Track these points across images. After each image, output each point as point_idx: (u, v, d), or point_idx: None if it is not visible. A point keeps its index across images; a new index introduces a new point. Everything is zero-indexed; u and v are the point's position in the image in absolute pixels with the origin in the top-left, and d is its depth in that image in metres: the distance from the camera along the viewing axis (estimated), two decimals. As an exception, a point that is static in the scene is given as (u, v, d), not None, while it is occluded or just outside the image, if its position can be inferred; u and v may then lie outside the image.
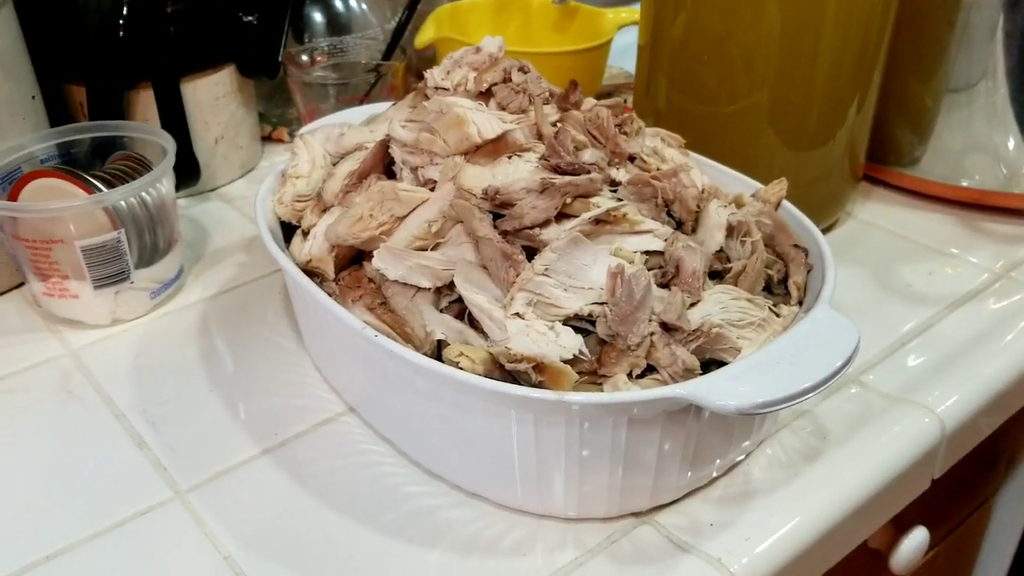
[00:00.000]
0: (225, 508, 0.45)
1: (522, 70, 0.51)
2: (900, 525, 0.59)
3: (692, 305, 0.43)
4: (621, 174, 0.48)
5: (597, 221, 0.44)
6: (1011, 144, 0.65)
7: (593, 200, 0.44)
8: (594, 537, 0.43)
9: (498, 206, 0.43)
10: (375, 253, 0.45)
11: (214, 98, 0.72)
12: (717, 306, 0.42)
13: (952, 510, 0.69)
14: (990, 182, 0.66)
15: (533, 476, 0.42)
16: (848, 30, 0.58)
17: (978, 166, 0.66)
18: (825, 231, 0.66)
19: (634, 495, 0.43)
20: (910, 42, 0.66)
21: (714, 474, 0.45)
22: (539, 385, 0.39)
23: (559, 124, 0.49)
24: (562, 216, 0.44)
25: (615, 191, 0.47)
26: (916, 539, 0.57)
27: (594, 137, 0.48)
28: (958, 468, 0.63)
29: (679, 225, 0.47)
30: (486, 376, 0.40)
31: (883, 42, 0.60)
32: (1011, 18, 0.62)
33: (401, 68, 0.74)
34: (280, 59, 0.72)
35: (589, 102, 0.53)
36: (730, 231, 0.47)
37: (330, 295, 0.45)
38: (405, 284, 0.45)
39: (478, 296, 0.42)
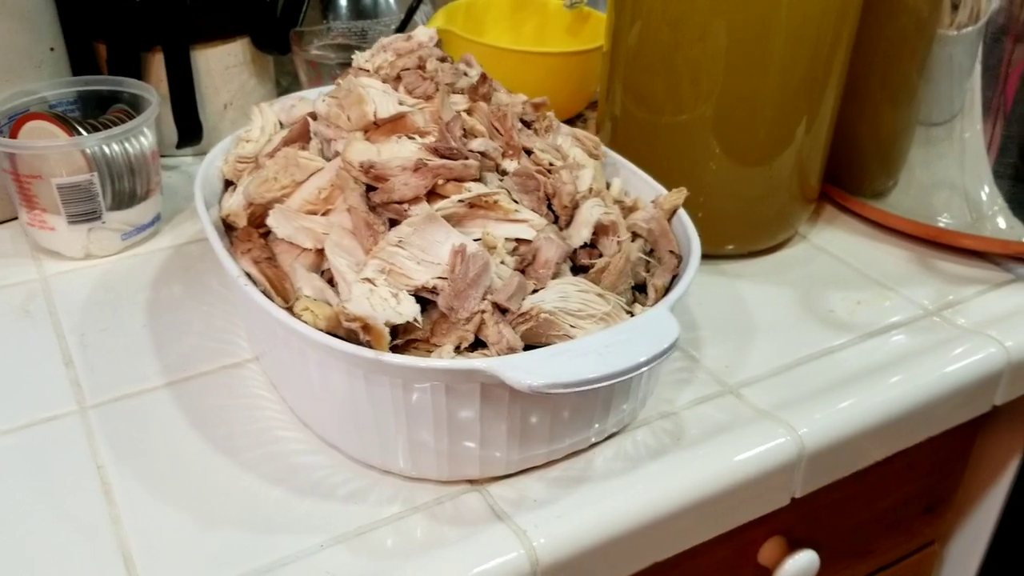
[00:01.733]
0: (114, 426, 0.50)
1: (443, 60, 0.54)
2: (792, 545, 0.59)
3: (535, 291, 0.45)
4: (512, 165, 0.50)
5: (472, 205, 0.47)
6: (983, 186, 0.64)
7: (467, 185, 0.47)
8: (424, 496, 0.46)
9: (373, 179, 0.47)
10: (269, 212, 0.49)
11: (225, 67, 0.78)
12: (557, 295, 0.45)
13: (877, 545, 0.68)
14: (955, 222, 0.65)
15: (372, 432, 0.45)
16: (796, 49, 0.58)
17: (946, 204, 0.65)
18: (773, 250, 0.67)
19: (463, 463, 0.45)
20: (883, 70, 0.66)
21: (553, 455, 0.47)
22: (367, 345, 0.42)
23: (464, 113, 0.52)
24: (438, 196, 0.47)
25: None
26: (802, 561, 0.58)
27: (496, 128, 0.51)
28: (879, 503, 0.63)
29: (557, 219, 0.49)
30: (327, 332, 0.43)
31: (835, 63, 0.61)
32: (991, 53, 0.61)
33: (401, 55, 0.78)
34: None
35: (519, 98, 0.56)
36: (604, 230, 0.49)
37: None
38: (291, 243, 0.49)
39: (340, 260, 0.46)
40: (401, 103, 0.50)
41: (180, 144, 0.76)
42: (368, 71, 0.54)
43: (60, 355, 0.56)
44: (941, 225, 0.66)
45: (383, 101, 0.49)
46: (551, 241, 0.46)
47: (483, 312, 0.43)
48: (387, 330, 0.42)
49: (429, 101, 0.51)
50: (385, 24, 0.84)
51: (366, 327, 0.42)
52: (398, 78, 0.52)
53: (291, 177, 0.50)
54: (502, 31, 0.88)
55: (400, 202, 0.46)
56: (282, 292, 0.47)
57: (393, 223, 0.46)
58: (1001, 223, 0.64)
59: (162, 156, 0.74)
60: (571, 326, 0.44)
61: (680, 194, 0.53)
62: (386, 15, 0.87)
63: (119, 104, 0.69)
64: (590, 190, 0.50)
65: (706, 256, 0.64)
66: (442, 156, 0.47)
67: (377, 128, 0.50)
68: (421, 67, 0.53)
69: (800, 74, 0.59)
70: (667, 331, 0.43)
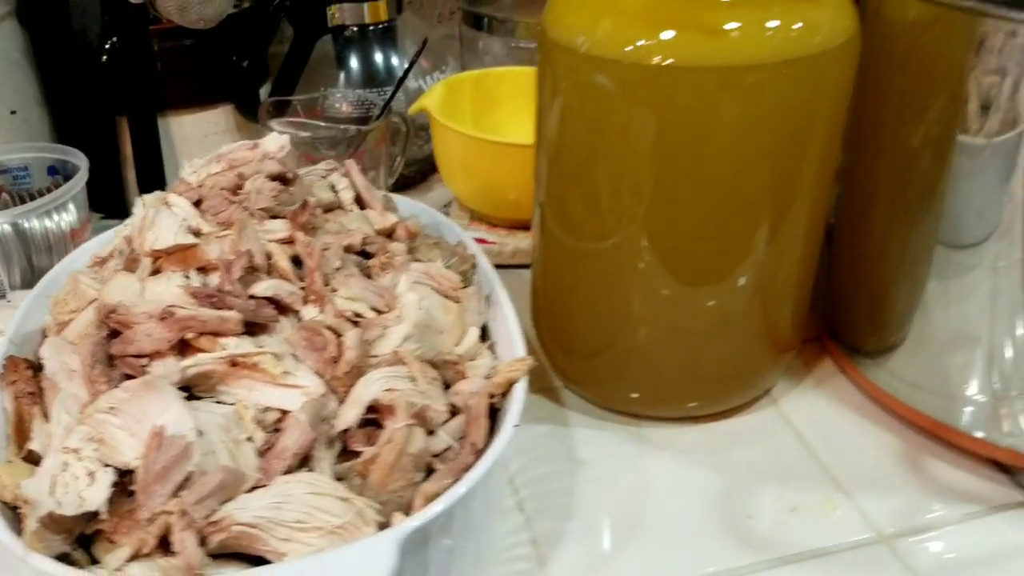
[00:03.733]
0: None
1: (282, 177, 0.46)
2: None
3: (255, 488, 0.37)
4: (312, 312, 0.43)
5: (233, 363, 0.40)
6: (1016, 344, 0.48)
7: (224, 341, 0.40)
8: None
9: (117, 325, 0.40)
10: (45, 340, 0.44)
11: (203, 134, 0.74)
12: (272, 499, 0.36)
13: None
14: (967, 410, 0.50)
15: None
16: (742, 161, 0.46)
17: (963, 373, 0.48)
18: (728, 414, 0.54)
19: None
20: (893, 187, 0.51)
21: None
22: (36, 532, 0.36)
23: (282, 244, 0.44)
24: (195, 350, 0.40)
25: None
26: None
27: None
28: None
29: (342, 388, 0.41)
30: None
31: (803, 176, 0.48)
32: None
33: (379, 133, 0.72)
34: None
35: (366, 228, 0.47)
36: (387, 410, 0.40)
37: (6, 372, 0.45)
38: (54, 379, 0.43)
39: (64, 417, 0.40)
40: (197, 230, 0.43)
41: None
42: (189, 183, 0.47)
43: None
44: (936, 415, 0.50)
45: (167, 228, 0.43)
46: (297, 424, 0.38)
47: (169, 513, 0.36)
48: (37, 524, 0.35)
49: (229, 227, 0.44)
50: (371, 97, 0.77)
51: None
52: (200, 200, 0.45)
53: (76, 303, 0.45)
54: (517, 105, 0.79)
55: (139, 355, 0.40)
56: (20, 437, 0.42)
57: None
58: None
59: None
60: (283, 539, 0.36)
61: (520, 365, 0.43)
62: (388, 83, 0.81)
63: (59, 175, 0.67)
64: (395, 353, 0.41)
65: (638, 416, 0.54)
66: (204, 301, 0.40)
67: (169, 257, 0.44)
68: (239, 186, 0.46)
69: (751, 190, 0.47)
70: (380, 568, 0.33)
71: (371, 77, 0.81)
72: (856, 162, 0.52)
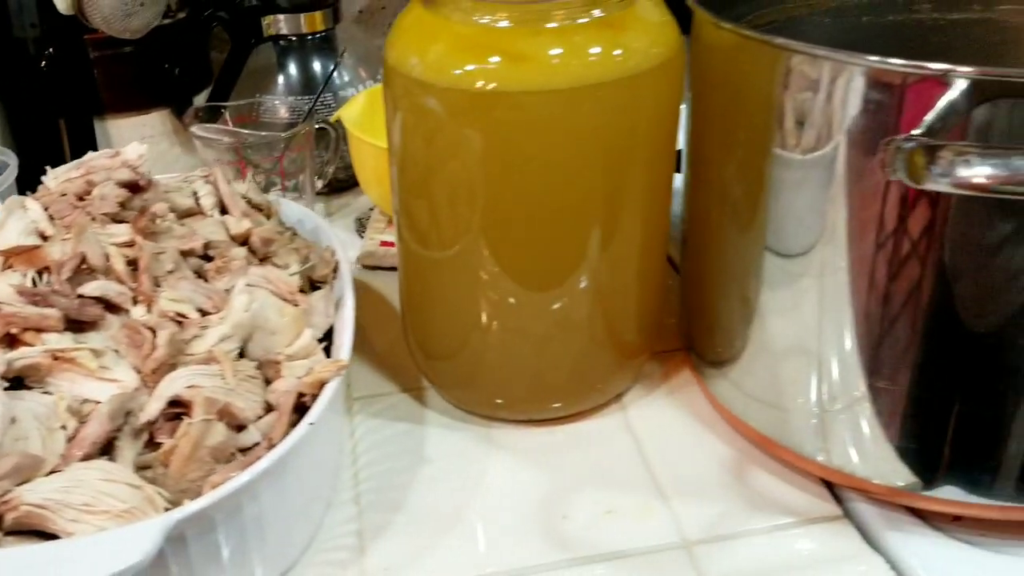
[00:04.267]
0: None
1: (133, 184, 0.50)
2: None
3: (53, 472, 0.41)
4: (140, 312, 0.46)
5: (56, 357, 0.44)
6: (842, 356, 0.48)
7: (46, 336, 0.44)
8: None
9: (-53, 319, 0.44)
10: None
11: (140, 137, 0.79)
12: (62, 483, 0.40)
13: None
14: (792, 425, 0.51)
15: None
16: (565, 170, 0.49)
17: (794, 386, 0.50)
18: (574, 418, 0.57)
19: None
20: (723, 193, 0.52)
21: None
22: None
23: (124, 247, 0.48)
24: (23, 344, 0.44)
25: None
26: None
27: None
28: None
29: (157, 383, 0.44)
30: None
31: (630, 183, 0.50)
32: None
33: (301, 138, 0.75)
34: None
35: (201, 235, 0.51)
36: (183, 404, 0.43)
37: None
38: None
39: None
40: (43, 232, 0.47)
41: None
42: (49, 190, 0.51)
43: None
44: (763, 429, 0.52)
45: (14, 229, 0.47)
46: (98, 416, 0.42)
47: (-39, 492, 0.39)
48: None
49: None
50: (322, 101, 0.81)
51: None
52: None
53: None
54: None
55: (-37, 349, 0.44)
56: None
57: (-35, 370, 0.44)
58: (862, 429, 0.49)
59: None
60: (71, 520, 0.39)
61: (333, 367, 0.46)
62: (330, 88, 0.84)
63: (-7, 174, 0.71)
64: (209, 352, 0.45)
65: (492, 418, 0.57)
66: (29, 299, 0.44)
67: (17, 257, 0.48)
68: (88, 192, 0.49)
69: (578, 204, 0.50)
70: (128, 554, 0.37)
71: (309, 85, 0.84)
72: (693, 176, 0.54)
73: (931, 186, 0.36)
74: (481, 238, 0.51)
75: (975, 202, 0.41)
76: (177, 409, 0.43)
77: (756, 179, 0.48)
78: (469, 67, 0.47)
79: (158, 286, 0.47)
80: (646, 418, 0.57)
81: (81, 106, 0.75)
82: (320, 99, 0.81)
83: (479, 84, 0.47)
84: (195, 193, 0.54)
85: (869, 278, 0.47)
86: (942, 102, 0.38)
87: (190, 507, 0.39)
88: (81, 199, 0.49)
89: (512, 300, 0.53)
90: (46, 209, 0.48)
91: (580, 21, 0.47)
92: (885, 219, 0.45)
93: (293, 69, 0.84)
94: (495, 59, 0.47)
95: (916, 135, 0.38)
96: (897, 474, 0.48)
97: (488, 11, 0.48)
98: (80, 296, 0.45)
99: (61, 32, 0.73)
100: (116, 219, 0.49)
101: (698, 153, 0.52)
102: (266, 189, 0.78)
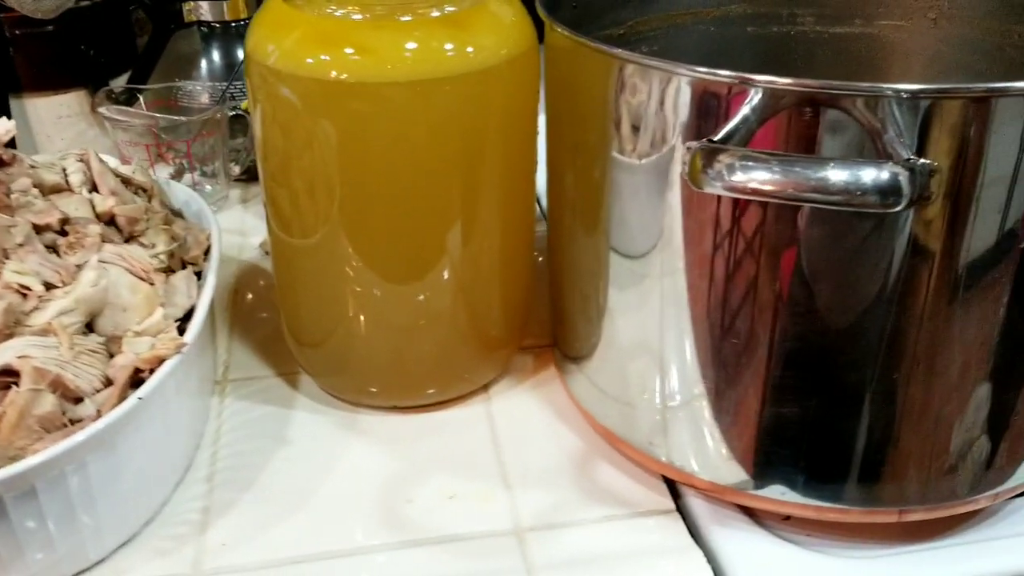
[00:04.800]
0: None
1: (-2, 161, 0.51)
2: None
3: None
4: (-11, 282, 0.47)
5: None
6: (682, 356, 0.50)
7: None
8: None
9: None
10: None
11: (57, 116, 0.80)
12: None
13: None
14: (638, 420, 0.52)
15: None
16: (416, 166, 0.50)
17: (641, 384, 0.51)
18: (441, 406, 0.58)
19: None
20: (573, 194, 0.53)
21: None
22: None
23: (-18, 222, 0.49)
24: None
25: None
26: None
27: None
28: None
29: None
30: None
31: (481, 180, 0.52)
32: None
33: (211, 123, 0.77)
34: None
35: (59, 211, 0.52)
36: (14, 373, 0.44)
37: None
38: None
39: None
40: None
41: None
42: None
43: None
44: (610, 424, 0.53)
45: None
46: (-75, 383, 0.43)
47: None
48: None
49: (-69, 203, 0.49)
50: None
51: None
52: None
53: None
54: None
55: None
56: None
57: None
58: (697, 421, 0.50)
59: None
60: None
61: (171, 344, 0.47)
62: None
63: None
64: (48, 324, 0.46)
65: (359, 404, 0.58)
66: None
67: None
68: (-51, 166, 0.51)
69: (431, 196, 0.51)
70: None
71: (232, 71, 0.85)
72: (549, 177, 0.55)
73: (709, 189, 0.37)
74: (340, 229, 0.52)
75: (786, 208, 0.42)
76: (8, 378, 0.44)
77: (599, 182, 0.49)
78: (323, 57, 0.48)
79: (7, 259, 0.48)
80: (507, 409, 0.58)
81: (-4, 83, 0.76)
82: (238, 85, 0.82)
83: (332, 74, 0.48)
84: (64, 170, 0.55)
85: (705, 280, 0.48)
86: (744, 109, 0.39)
87: (3, 471, 0.40)
88: (-59, 173, 0.50)
89: (376, 292, 0.54)
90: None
91: (432, 15, 0.49)
92: (719, 222, 0.46)
93: (216, 55, 0.86)
94: (348, 50, 0.48)
95: (710, 140, 0.39)
96: (729, 472, 0.50)
97: (342, 4, 0.49)
98: (-74, 267, 0.46)
99: (-25, 10, 0.74)
100: (-24, 194, 0.50)
101: (552, 155, 0.54)
102: (180, 173, 0.80)
